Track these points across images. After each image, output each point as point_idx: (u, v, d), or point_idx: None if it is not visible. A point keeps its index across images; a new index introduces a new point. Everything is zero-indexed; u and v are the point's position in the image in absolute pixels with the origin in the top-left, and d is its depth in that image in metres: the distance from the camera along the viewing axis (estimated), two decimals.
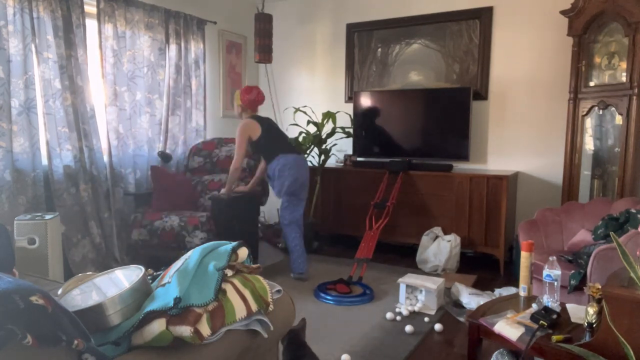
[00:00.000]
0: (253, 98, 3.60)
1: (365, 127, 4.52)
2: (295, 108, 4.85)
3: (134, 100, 3.79)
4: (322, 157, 4.47)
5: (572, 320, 1.89)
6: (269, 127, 3.58)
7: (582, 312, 1.89)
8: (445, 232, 3.92)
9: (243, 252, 1.58)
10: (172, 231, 3.33)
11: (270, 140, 3.54)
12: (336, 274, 3.66)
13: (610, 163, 3.48)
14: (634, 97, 3.08)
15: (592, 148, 3.59)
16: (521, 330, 1.79)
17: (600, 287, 1.70)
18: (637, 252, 1.73)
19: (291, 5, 5.13)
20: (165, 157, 3.91)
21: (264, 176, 3.76)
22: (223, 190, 3.57)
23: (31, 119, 3.07)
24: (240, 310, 1.42)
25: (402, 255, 4.27)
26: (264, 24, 4.57)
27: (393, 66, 4.62)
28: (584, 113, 3.47)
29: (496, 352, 2.03)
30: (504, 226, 3.73)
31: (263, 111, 5.41)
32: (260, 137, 3.50)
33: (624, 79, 3.20)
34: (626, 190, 3.16)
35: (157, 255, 3.53)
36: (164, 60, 4.00)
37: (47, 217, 2.74)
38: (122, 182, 3.72)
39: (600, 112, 3.44)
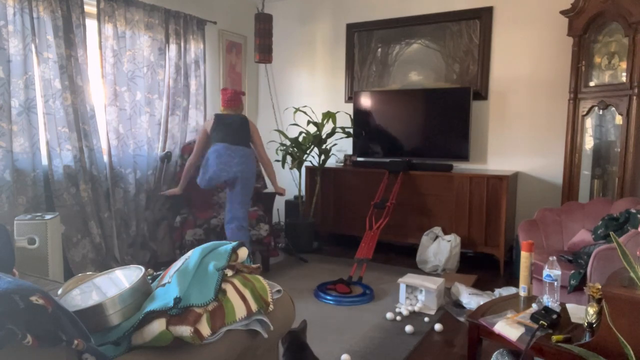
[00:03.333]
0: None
1: (365, 127, 4.52)
2: (295, 108, 4.85)
3: (134, 100, 3.79)
4: (322, 157, 4.47)
5: (572, 320, 1.89)
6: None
7: (582, 312, 1.89)
8: (445, 232, 3.92)
9: (243, 252, 1.59)
10: None
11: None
12: (336, 274, 3.67)
13: (610, 163, 3.48)
14: (634, 97, 3.08)
15: (592, 148, 3.58)
16: (521, 330, 1.79)
17: (600, 287, 1.70)
18: (637, 252, 1.72)
19: (291, 5, 5.13)
20: (169, 157, 3.98)
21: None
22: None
23: (31, 119, 3.07)
24: (240, 310, 1.42)
25: (402, 255, 4.27)
26: (264, 24, 4.57)
27: (393, 66, 4.61)
28: (584, 113, 3.47)
29: (496, 352, 2.03)
30: (504, 226, 3.73)
31: (263, 110, 5.43)
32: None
33: (624, 79, 3.20)
34: (626, 190, 3.16)
35: None
36: (163, 60, 4.00)
37: (47, 217, 2.74)
38: (122, 182, 3.72)
39: (600, 112, 3.44)
